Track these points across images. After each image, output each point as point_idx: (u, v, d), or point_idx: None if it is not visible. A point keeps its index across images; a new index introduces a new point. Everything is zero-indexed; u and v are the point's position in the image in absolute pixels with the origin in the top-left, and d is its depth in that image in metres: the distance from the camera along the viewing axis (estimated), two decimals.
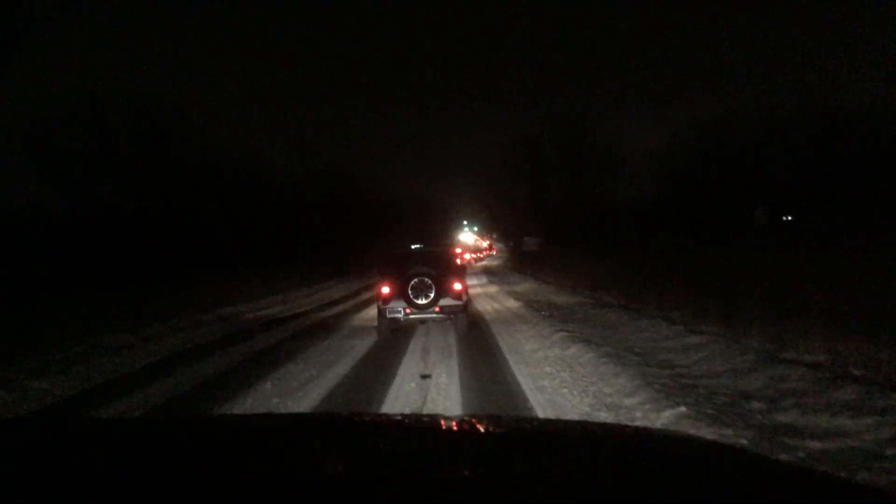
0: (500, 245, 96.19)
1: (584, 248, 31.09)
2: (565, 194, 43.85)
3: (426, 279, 9.20)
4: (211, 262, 24.22)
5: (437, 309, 9.31)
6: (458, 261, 10.67)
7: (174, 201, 27.89)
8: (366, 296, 19.30)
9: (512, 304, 14.62)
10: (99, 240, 21.91)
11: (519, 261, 39.49)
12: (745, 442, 4.02)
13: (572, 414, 5.14)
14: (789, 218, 38.09)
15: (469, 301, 11.01)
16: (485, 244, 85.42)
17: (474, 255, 56.00)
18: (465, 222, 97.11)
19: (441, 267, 9.69)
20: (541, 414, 5.17)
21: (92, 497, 0.98)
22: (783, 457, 3.73)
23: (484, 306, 14.62)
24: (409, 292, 9.16)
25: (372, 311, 11.64)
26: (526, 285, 21.43)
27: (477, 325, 10.95)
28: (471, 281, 26.38)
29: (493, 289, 20.34)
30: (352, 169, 54.17)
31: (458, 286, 9.49)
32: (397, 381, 6.67)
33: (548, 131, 45.08)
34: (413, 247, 10.38)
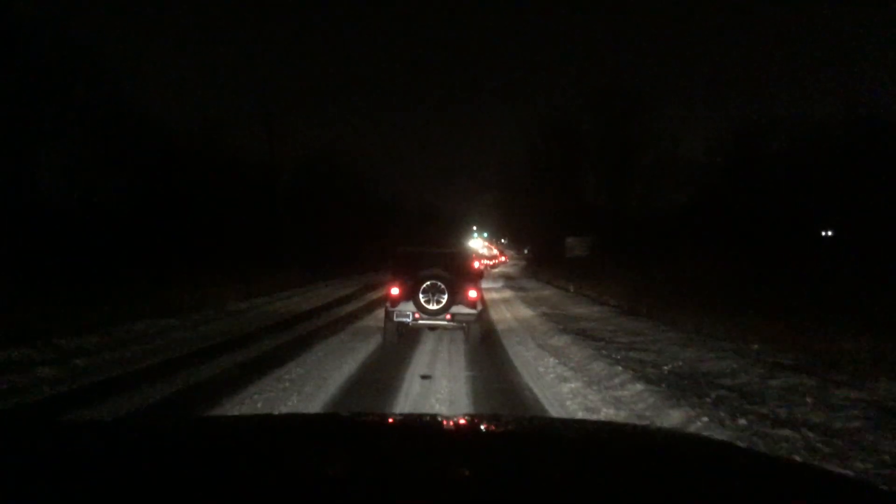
0: (512, 252, 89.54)
1: (643, 256, 22.81)
2: (608, 192, 35.13)
3: (439, 283, 8.43)
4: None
5: (448, 316, 8.48)
6: (477, 264, 9.86)
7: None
8: (323, 320, 10.97)
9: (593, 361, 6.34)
10: None
11: (545, 269, 30.99)
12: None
13: None
14: (829, 233, 33.25)
15: (484, 310, 10.43)
16: (496, 251, 77.12)
17: (490, 263, 48.41)
18: (474, 228, 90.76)
19: (456, 271, 8.87)
20: None
21: None
22: None
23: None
24: (420, 296, 8.42)
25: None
26: (584, 309, 13.11)
27: None
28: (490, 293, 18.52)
29: (543, 324, 11.86)
30: (344, 160, 45.73)
31: (472, 293, 8.64)
32: None
33: (587, 115, 36.52)
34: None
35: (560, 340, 8.91)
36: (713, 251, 26.55)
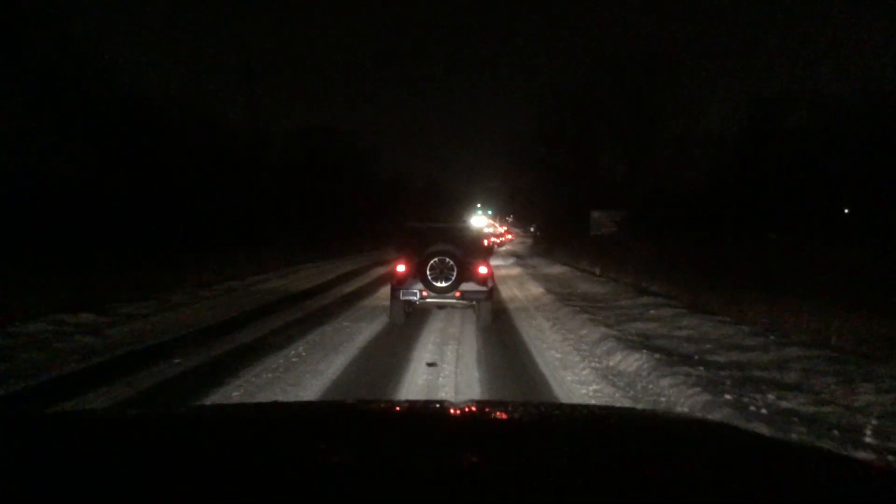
0: (517, 230, 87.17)
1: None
2: (628, 166, 31.78)
3: (447, 259, 8.03)
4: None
5: (457, 294, 8.13)
6: (486, 242, 9.51)
7: None
8: (286, 318, 7.90)
9: None
10: None
11: (558, 248, 27.85)
12: None
13: None
14: (846, 211, 31.49)
15: (495, 287, 9.89)
16: (502, 229, 74.22)
17: (497, 241, 45.70)
18: (478, 205, 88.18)
19: (465, 246, 8.56)
20: None
21: (82, 497, 0.88)
22: None
23: None
24: (428, 273, 8.02)
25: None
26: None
27: None
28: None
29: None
30: (344, 134, 42.61)
31: (483, 270, 8.32)
32: None
33: (605, 83, 33.00)
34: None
35: (628, 362, 5.80)
36: (750, 231, 23.45)
